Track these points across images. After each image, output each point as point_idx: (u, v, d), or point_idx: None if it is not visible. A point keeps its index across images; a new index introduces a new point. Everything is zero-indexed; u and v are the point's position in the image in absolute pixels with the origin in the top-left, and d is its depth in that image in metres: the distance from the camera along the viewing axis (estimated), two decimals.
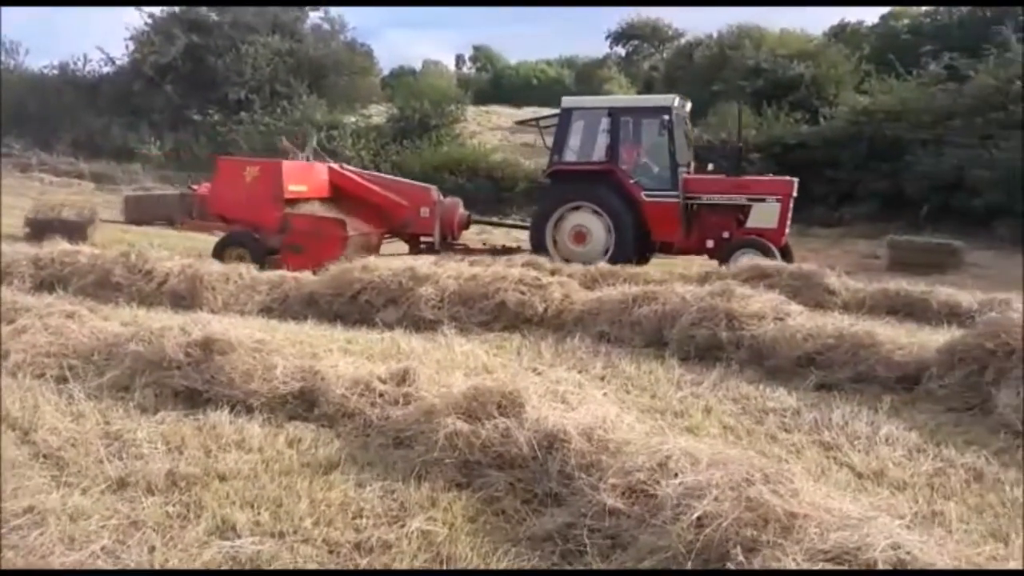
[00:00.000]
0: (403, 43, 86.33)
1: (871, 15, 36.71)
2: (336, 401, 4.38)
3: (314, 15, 34.28)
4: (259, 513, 3.24)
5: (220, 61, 30.04)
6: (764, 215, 11.48)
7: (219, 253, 10.78)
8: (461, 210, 12.77)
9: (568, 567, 2.92)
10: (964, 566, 2.50)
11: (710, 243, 11.66)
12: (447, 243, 12.38)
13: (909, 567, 2.42)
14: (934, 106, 20.40)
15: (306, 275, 8.49)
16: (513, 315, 7.15)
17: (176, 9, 31.64)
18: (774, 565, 2.45)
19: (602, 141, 12.13)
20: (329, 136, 26.67)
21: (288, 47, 31.66)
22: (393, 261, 7.88)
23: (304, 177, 11.72)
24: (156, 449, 3.87)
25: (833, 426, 4.54)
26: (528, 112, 34.79)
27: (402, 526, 3.16)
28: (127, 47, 32.61)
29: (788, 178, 11.98)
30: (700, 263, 12.27)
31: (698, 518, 2.74)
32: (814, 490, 2.88)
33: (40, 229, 13.00)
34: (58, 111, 30.94)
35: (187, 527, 3.13)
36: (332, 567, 2.90)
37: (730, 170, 12.13)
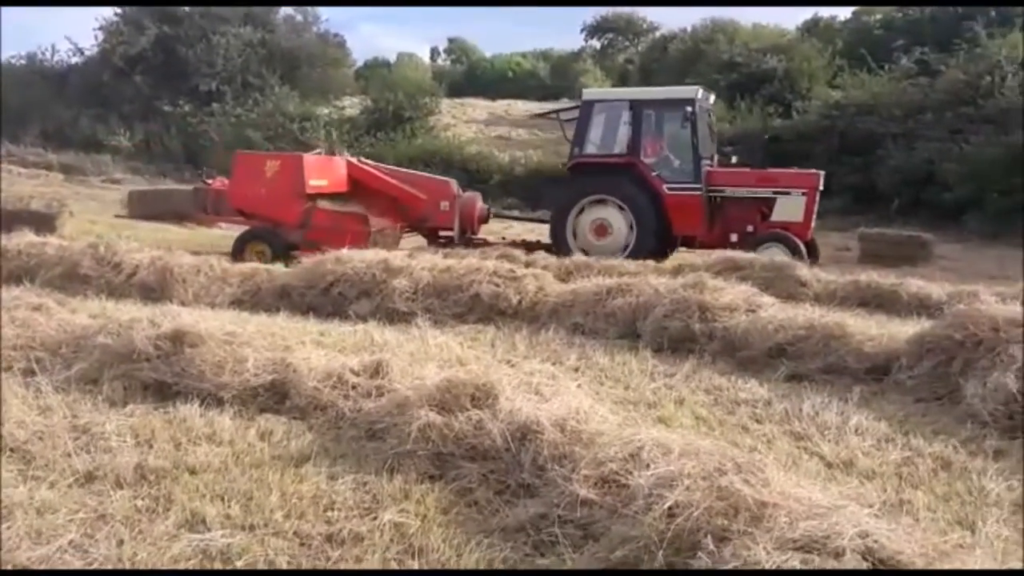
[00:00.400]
0: (377, 35, 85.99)
1: (844, 10, 36.99)
2: (308, 393, 4.35)
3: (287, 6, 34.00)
4: (229, 506, 3.21)
5: (191, 52, 29.67)
6: (789, 208, 11.29)
7: (239, 249, 10.66)
8: (480, 204, 12.56)
9: (540, 558, 2.92)
10: (931, 553, 2.53)
11: (734, 237, 11.37)
12: (466, 237, 12.17)
13: (876, 555, 2.44)
14: (905, 100, 20.62)
15: (278, 267, 8.43)
16: (487, 307, 7.14)
17: None
18: (744, 554, 2.47)
19: (623, 133, 11.92)
20: (302, 128, 26.47)
21: (260, 38, 31.35)
22: (367, 253, 7.82)
23: (324, 171, 11.54)
24: (125, 442, 3.82)
25: (804, 416, 4.59)
26: (502, 104, 34.87)
27: (374, 518, 3.14)
28: (96, 37, 32.15)
29: (814, 171, 11.79)
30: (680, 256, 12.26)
31: (669, 508, 2.75)
32: (784, 480, 2.89)
33: (7, 221, 12.78)
34: (26, 102, 30.43)
35: (156, 520, 3.10)
36: (303, 560, 2.88)
37: (754, 162, 11.93)
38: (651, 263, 10.06)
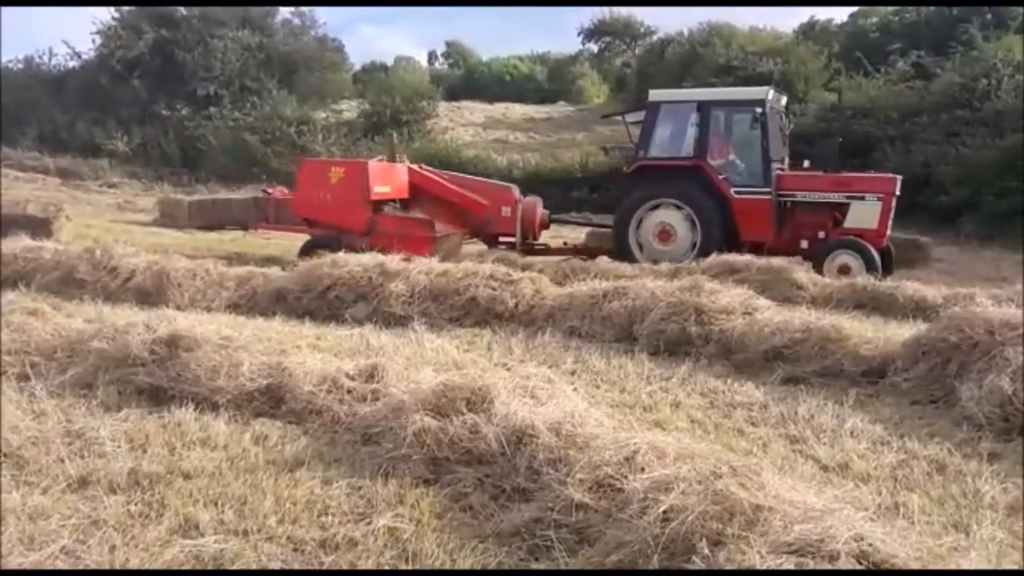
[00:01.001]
0: (375, 39, 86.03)
1: (841, 13, 37.06)
2: (304, 398, 4.35)
3: (285, 10, 33.97)
4: (223, 511, 3.21)
5: (189, 56, 29.60)
6: (863, 214, 10.83)
7: (305, 257, 10.60)
8: (541, 209, 12.28)
9: (535, 562, 2.92)
10: (926, 557, 2.53)
11: (804, 243, 11.02)
12: (527, 243, 11.96)
13: (871, 558, 2.44)
14: (901, 103, 20.63)
15: (274, 270, 8.42)
16: (484, 311, 7.14)
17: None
18: (739, 558, 2.47)
19: (691, 135, 11.53)
20: (299, 131, 26.44)
21: (258, 42, 31.28)
22: (363, 256, 7.82)
23: (387, 178, 11.44)
24: (119, 447, 3.82)
25: (799, 419, 4.59)
26: (500, 108, 34.85)
27: (368, 523, 3.14)
28: (93, 41, 32.05)
29: (891, 175, 11.38)
30: None
31: (664, 512, 2.76)
32: (779, 483, 2.89)
33: (4, 225, 12.75)
34: (23, 106, 30.38)
35: (149, 526, 3.10)
36: (296, 566, 2.88)
37: (828, 166, 11.50)
38: (647, 265, 10.05)
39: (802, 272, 8.85)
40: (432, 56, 52.81)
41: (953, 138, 18.54)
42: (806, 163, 11.89)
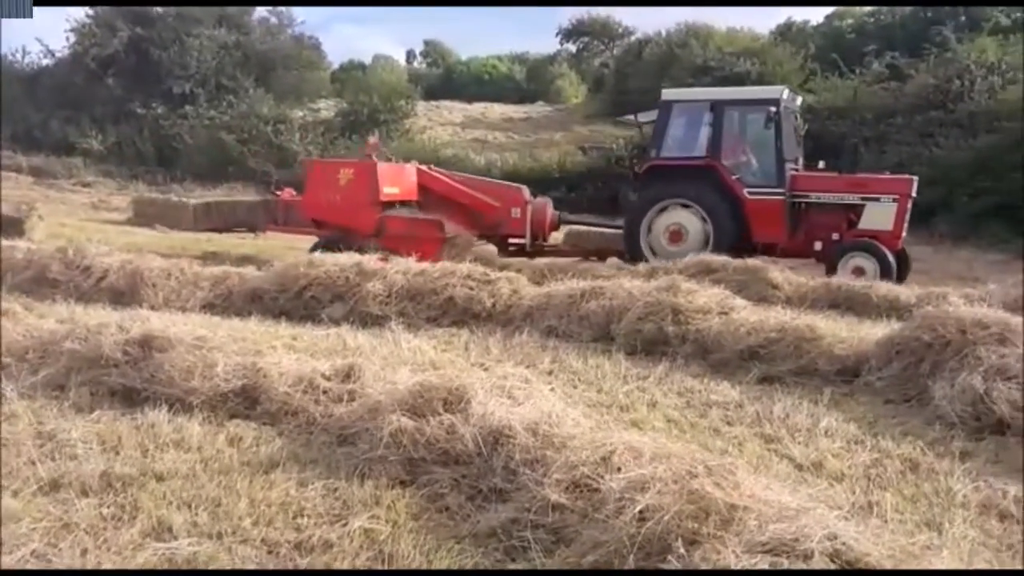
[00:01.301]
0: (353, 37, 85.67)
1: (817, 14, 37.38)
2: (279, 399, 4.31)
3: (261, 8, 33.74)
4: (197, 514, 3.17)
5: (164, 54, 29.32)
6: (878, 216, 10.67)
7: None
8: (551, 210, 12.13)
9: (512, 563, 2.91)
10: (899, 555, 2.55)
11: (818, 245, 10.87)
12: (537, 245, 11.82)
13: (844, 557, 2.46)
14: (876, 104, 20.83)
15: (250, 270, 8.36)
16: (461, 310, 7.13)
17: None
18: (714, 557, 2.47)
19: (704, 135, 11.36)
20: (276, 130, 26.29)
21: (235, 40, 31.06)
22: (340, 256, 7.78)
23: (396, 179, 11.39)
24: (91, 449, 3.77)
25: (775, 419, 4.61)
26: (478, 107, 34.82)
27: (344, 525, 3.12)
28: (68, 39, 31.70)
29: (907, 176, 11.24)
30: None
31: (640, 511, 2.76)
32: (754, 482, 2.91)
33: None
34: None
35: (121, 529, 3.06)
36: (271, 567, 2.86)
37: (843, 167, 11.37)
38: (625, 265, 10.07)
39: (777, 272, 8.91)
40: (410, 55, 52.72)
41: (927, 139, 18.76)
42: (821, 164, 11.77)
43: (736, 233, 10.96)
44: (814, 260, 10.96)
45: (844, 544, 2.49)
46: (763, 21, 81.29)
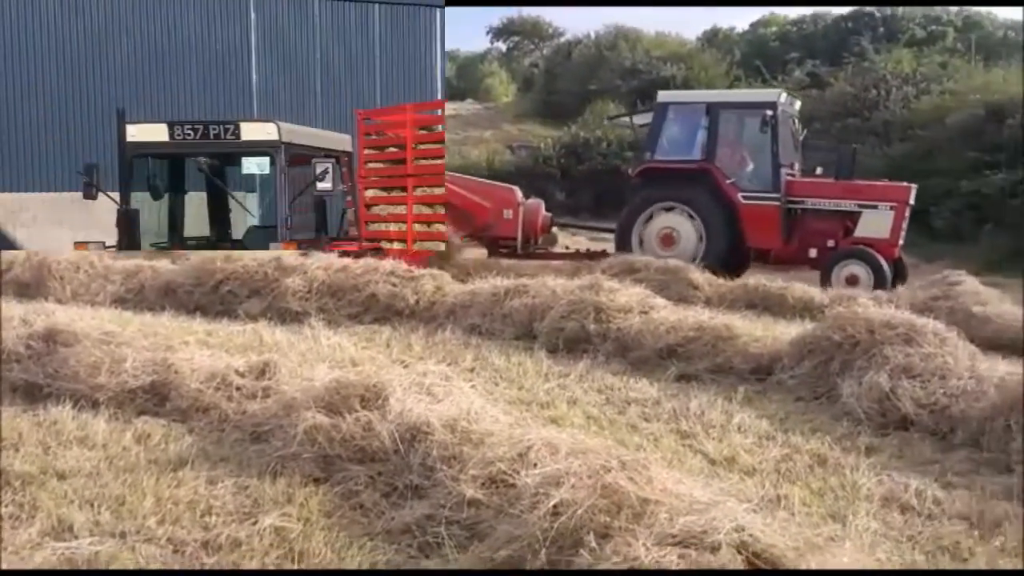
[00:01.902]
0: None
1: (743, 21, 38.28)
2: (190, 395, 4.21)
3: None
4: (99, 512, 3.07)
5: None
6: (875, 223, 10.54)
7: None
8: (544, 212, 11.94)
9: (425, 560, 2.89)
10: (803, 547, 2.61)
11: (813, 252, 10.69)
12: (528, 247, 11.59)
13: (751, 548, 2.50)
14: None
15: (164, 263, 8.13)
16: (384, 307, 7.07)
17: None
18: (624, 550, 2.49)
19: (699, 138, 11.19)
20: None
21: None
22: (258, 251, 7.63)
23: None
24: None
25: (690, 415, 4.69)
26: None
27: (254, 523, 3.05)
28: None
29: (905, 184, 11.11)
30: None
31: (554, 506, 2.76)
32: (667, 477, 2.93)
33: None
34: None
35: (19, 528, 2.95)
36: (176, 567, 2.77)
37: (840, 173, 11.24)
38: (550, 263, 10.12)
39: (698, 272, 9.06)
40: None
41: (844, 146, 19.35)
42: (818, 169, 11.73)
43: (729, 238, 10.88)
44: (807, 268, 10.81)
45: (751, 536, 2.53)
46: (691, 27, 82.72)
